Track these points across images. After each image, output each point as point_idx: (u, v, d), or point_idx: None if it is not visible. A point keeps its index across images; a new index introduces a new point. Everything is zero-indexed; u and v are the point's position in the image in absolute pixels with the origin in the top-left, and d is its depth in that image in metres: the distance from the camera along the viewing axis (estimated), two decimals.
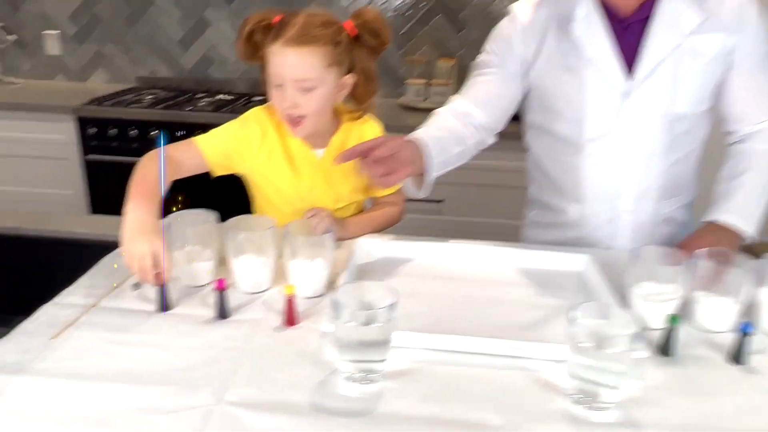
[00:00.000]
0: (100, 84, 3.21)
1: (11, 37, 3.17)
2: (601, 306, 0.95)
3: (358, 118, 1.46)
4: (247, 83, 3.07)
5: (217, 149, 1.38)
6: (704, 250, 1.11)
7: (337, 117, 1.46)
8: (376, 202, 1.54)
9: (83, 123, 2.65)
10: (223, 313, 1.08)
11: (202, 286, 1.18)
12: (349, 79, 1.37)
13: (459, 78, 2.71)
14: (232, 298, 1.10)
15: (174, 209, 1.20)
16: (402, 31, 3.01)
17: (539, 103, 1.44)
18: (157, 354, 0.97)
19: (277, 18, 1.31)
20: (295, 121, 1.34)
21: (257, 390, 0.90)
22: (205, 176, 1.38)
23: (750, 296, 1.07)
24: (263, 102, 1.43)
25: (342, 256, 1.26)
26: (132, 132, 2.62)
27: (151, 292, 1.15)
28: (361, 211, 1.55)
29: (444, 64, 2.90)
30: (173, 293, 1.13)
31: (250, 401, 0.88)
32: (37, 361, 0.94)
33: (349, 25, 1.34)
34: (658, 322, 1.02)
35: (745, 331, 0.97)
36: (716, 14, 1.29)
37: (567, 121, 1.39)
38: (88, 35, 3.18)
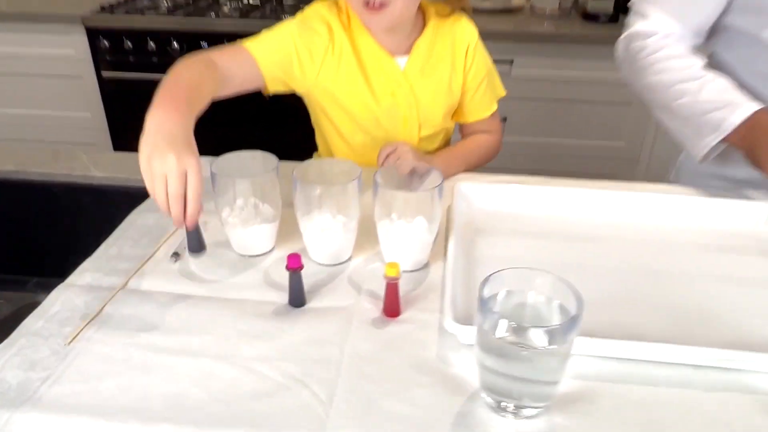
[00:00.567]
0: None
1: None
2: None
3: (448, 15, 1.09)
4: None
5: (272, 58, 1.02)
6: None
7: (422, 15, 1.09)
8: (465, 131, 1.20)
9: (93, 35, 2.28)
10: (297, 299, 0.78)
11: (258, 255, 0.87)
12: None
13: None
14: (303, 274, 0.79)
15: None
16: None
17: (745, 3, 1.04)
18: (213, 371, 0.67)
19: None
20: (375, 6, 0.96)
21: (364, 430, 0.61)
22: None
23: None
24: (297, 7, 1.06)
25: None
26: (149, 45, 2.25)
27: (199, 263, 0.85)
28: (447, 143, 1.21)
29: None
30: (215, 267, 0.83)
31: None
32: (47, 385, 0.65)
33: None
34: None
35: None
36: None
37: None
38: None
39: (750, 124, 0.94)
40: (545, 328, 0.57)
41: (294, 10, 2.18)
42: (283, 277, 0.80)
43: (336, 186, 0.80)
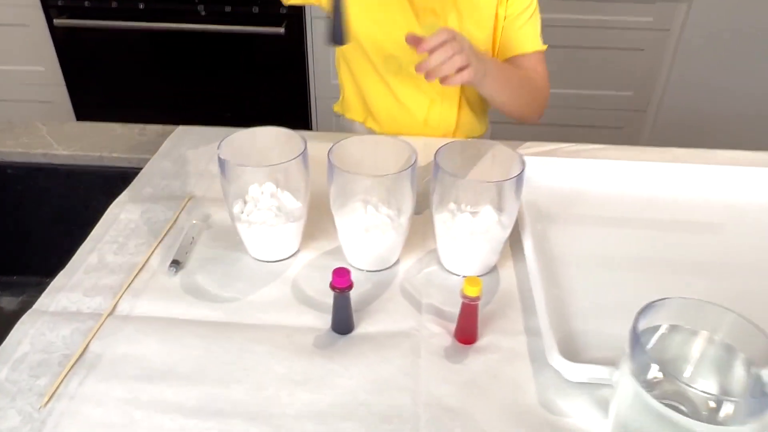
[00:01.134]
0: None
1: None
2: None
3: None
4: None
5: None
6: None
7: None
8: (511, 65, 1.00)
9: None
10: (344, 325, 0.60)
11: (281, 261, 0.68)
12: None
13: None
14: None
15: None
16: None
17: None
18: None
19: None
20: None
21: None
22: None
23: None
24: None
25: None
26: None
27: (207, 273, 0.65)
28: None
29: None
30: (199, 275, 0.64)
31: None
32: None
33: None
34: None
35: None
36: None
37: None
38: None
39: None
40: (729, 400, 0.40)
41: None
42: (318, 289, 0.62)
43: (386, 176, 0.61)
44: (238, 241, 0.68)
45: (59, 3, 2.03)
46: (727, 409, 0.39)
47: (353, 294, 0.57)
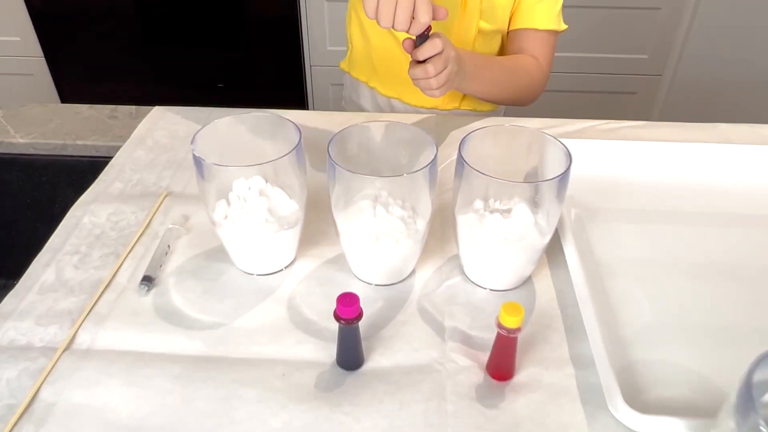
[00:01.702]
0: None
1: None
2: None
3: None
4: None
5: None
6: None
7: None
8: (511, 47, 0.87)
9: None
10: (352, 360, 0.48)
11: (273, 273, 0.57)
12: None
13: None
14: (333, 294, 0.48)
15: None
16: None
17: None
18: None
19: None
20: None
21: None
22: None
23: None
24: None
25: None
26: None
27: (185, 291, 0.54)
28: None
29: None
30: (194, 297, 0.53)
31: None
32: None
33: None
34: None
35: None
36: None
37: None
38: None
39: None
40: None
41: None
42: (319, 309, 0.51)
43: (399, 177, 0.49)
44: (222, 248, 0.56)
45: None
46: None
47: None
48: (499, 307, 0.43)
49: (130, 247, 0.58)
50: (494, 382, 0.47)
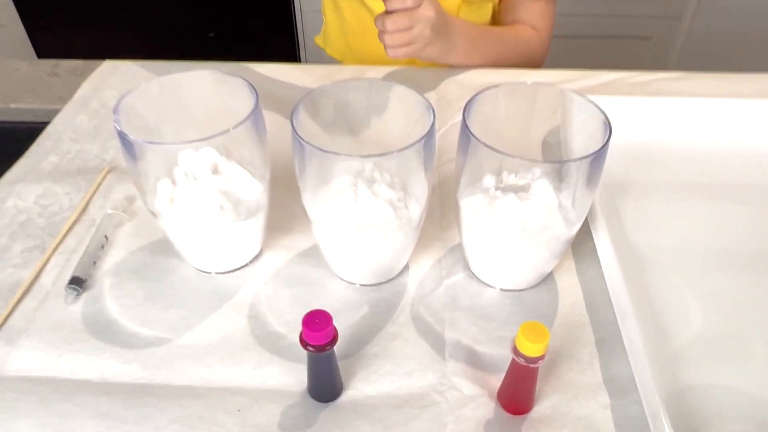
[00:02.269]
0: None
1: None
2: None
3: None
4: None
5: None
6: None
7: None
8: (508, 17, 0.75)
9: None
10: (326, 390, 0.38)
11: (235, 271, 0.46)
12: None
13: None
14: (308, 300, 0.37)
15: None
16: None
17: None
18: None
19: None
20: None
21: None
22: None
23: None
24: None
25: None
26: None
27: (122, 294, 0.42)
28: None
29: None
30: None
31: None
32: None
33: None
34: None
35: None
36: None
37: None
38: None
39: None
40: None
41: None
42: (287, 320, 0.41)
43: (388, 155, 0.37)
44: (164, 240, 0.45)
45: None
46: None
47: (338, 323, 0.35)
48: (511, 312, 0.33)
49: (59, 239, 0.47)
50: (508, 416, 0.36)
